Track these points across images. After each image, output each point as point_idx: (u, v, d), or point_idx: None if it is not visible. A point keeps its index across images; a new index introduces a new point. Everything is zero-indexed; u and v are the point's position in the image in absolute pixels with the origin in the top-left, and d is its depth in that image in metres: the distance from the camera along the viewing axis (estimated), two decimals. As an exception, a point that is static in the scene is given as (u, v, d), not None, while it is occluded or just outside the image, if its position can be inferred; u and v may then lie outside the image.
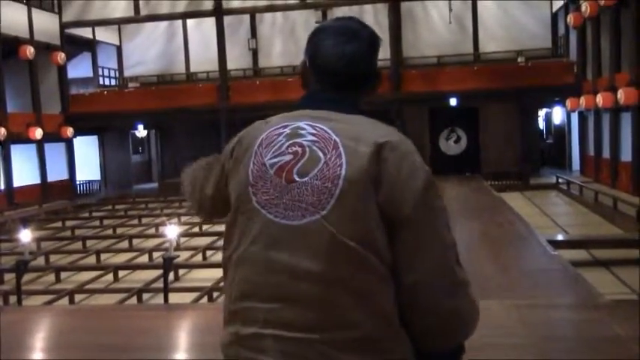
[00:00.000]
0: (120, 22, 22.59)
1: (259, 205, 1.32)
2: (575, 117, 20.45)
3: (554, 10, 21.48)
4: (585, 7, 16.60)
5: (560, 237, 10.07)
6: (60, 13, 21.36)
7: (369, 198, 1.27)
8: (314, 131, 1.33)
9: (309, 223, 1.27)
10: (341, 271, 1.25)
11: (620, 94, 14.17)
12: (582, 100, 17.34)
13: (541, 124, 25.34)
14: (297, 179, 1.30)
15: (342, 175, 1.27)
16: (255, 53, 23.29)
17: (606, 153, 16.64)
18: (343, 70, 1.42)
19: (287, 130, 1.36)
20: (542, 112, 24.79)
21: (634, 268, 7.85)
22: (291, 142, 1.33)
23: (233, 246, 1.36)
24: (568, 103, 18.56)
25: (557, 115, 23.61)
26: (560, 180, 17.66)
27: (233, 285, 1.35)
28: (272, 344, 1.26)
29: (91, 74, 23.59)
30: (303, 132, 1.34)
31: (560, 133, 23.16)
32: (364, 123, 1.36)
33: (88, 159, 22.65)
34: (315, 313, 1.24)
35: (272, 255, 1.29)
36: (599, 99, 15.57)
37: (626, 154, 15.06)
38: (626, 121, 15.08)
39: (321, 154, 1.30)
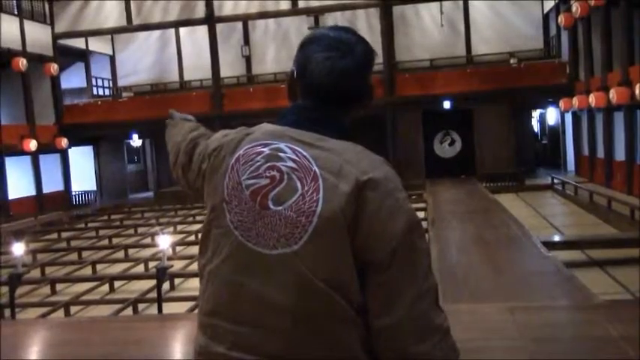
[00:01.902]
0: (112, 32, 22.61)
1: (232, 224, 1.30)
2: (569, 117, 20.50)
3: (545, 11, 21.55)
4: (576, 8, 16.68)
5: (554, 238, 10.09)
6: (52, 24, 21.37)
7: (343, 239, 1.22)
8: (295, 157, 1.28)
9: (281, 255, 1.24)
10: (308, 308, 1.23)
11: (613, 94, 14.21)
12: (575, 101, 17.39)
13: (535, 125, 25.40)
14: (272, 207, 1.26)
15: (317, 212, 1.23)
16: (248, 60, 23.33)
17: (600, 153, 16.68)
18: (332, 87, 1.34)
19: (266, 150, 1.30)
20: (536, 113, 24.86)
21: (629, 268, 7.88)
22: (269, 164, 1.29)
23: (207, 257, 1.34)
24: (561, 103, 18.62)
25: (551, 115, 23.66)
26: (555, 180, 17.69)
27: (204, 297, 1.34)
28: None
29: (84, 84, 23.58)
30: (283, 155, 1.29)
31: (555, 134, 23.22)
32: (349, 152, 1.28)
33: (83, 169, 22.61)
34: (282, 343, 1.24)
35: (243, 280, 1.27)
36: (592, 99, 15.61)
37: (620, 154, 15.10)
38: (619, 120, 15.13)
39: (298, 185, 1.25)
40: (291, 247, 1.24)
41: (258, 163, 1.30)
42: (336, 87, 1.35)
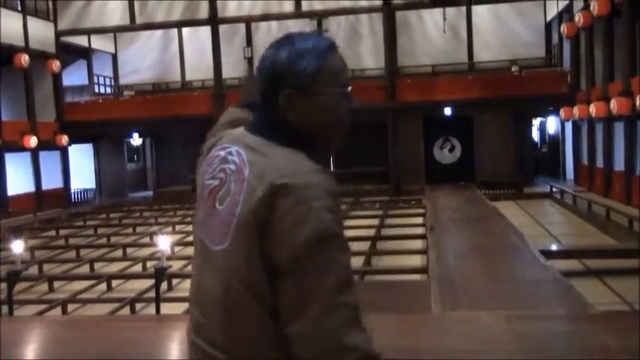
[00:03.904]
0: (115, 31, 22.63)
1: (199, 222, 1.41)
2: (569, 126, 20.53)
3: (547, 19, 21.60)
4: (579, 18, 16.72)
5: (552, 247, 10.09)
6: (55, 22, 21.39)
7: (254, 242, 1.26)
8: (237, 160, 1.34)
9: (218, 252, 1.32)
10: (230, 307, 1.30)
11: (613, 104, 14.24)
12: (576, 110, 17.42)
13: (535, 134, 25.43)
14: (217, 206, 1.34)
15: (236, 214, 1.28)
16: (250, 62, 23.34)
17: (600, 162, 16.70)
18: (261, 77, 1.37)
19: (222, 154, 1.38)
20: (536, 122, 24.89)
21: (626, 278, 7.89)
22: (221, 167, 1.37)
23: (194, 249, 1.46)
24: (562, 112, 18.64)
25: (552, 124, 23.70)
26: (554, 189, 17.71)
27: (190, 284, 1.46)
28: (201, 356, 1.35)
29: (86, 82, 23.60)
30: (230, 158, 1.36)
31: (555, 143, 23.24)
32: (280, 158, 1.30)
33: (82, 167, 22.61)
34: (222, 337, 1.32)
35: (201, 273, 1.38)
36: (593, 109, 15.64)
37: (620, 164, 15.12)
38: (619, 130, 15.15)
39: (233, 187, 1.32)
40: (223, 245, 1.32)
41: (215, 166, 1.39)
42: (262, 78, 1.37)
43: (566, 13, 19.38)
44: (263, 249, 1.25)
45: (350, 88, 1.42)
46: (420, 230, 12.31)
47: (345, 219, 14.91)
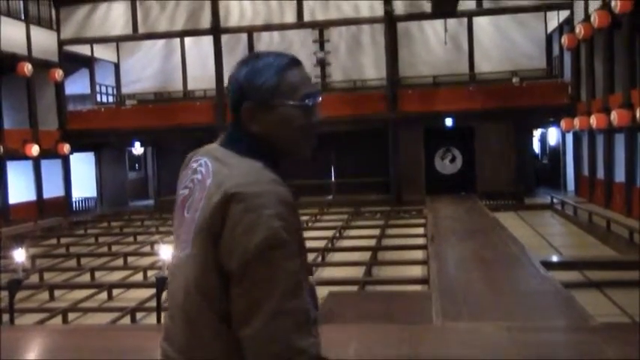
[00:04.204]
0: (118, 40, 22.72)
1: (174, 229, 1.50)
2: (569, 137, 20.55)
3: (548, 31, 21.67)
4: (579, 29, 16.80)
5: (553, 258, 10.10)
6: (58, 31, 21.50)
7: (209, 248, 1.31)
8: (204, 171, 1.41)
9: (183, 257, 1.40)
10: (188, 311, 1.37)
11: (614, 116, 14.27)
12: (577, 121, 17.46)
13: (536, 145, 25.46)
14: (185, 214, 1.42)
15: (196, 221, 1.35)
16: (252, 72, 23.40)
17: (600, 174, 16.72)
18: (229, 93, 1.47)
19: (194, 165, 1.46)
20: (537, 133, 24.92)
21: (627, 290, 7.89)
22: (191, 177, 1.45)
23: None
24: (563, 123, 18.68)
25: (552, 135, 23.73)
26: (554, 200, 17.72)
27: None
28: (165, 359, 1.42)
29: (88, 91, 23.64)
30: (199, 169, 1.43)
31: (555, 154, 23.27)
32: (239, 168, 1.36)
33: (84, 176, 22.64)
34: (182, 340, 1.38)
35: (173, 279, 1.45)
36: (593, 120, 15.67)
37: (620, 175, 15.14)
38: (620, 142, 15.18)
39: (197, 195, 1.39)
40: (186, 250, 1.39)
41: (187, 176, 1.48)
42: (228, 93, 1.47)
43: (566, 25, 19.46)
44: (217, 255, 1.30)
45: (315, 102, 1.47)
46: (420, 241, 12.32)
47: (346, 229, 14.95)
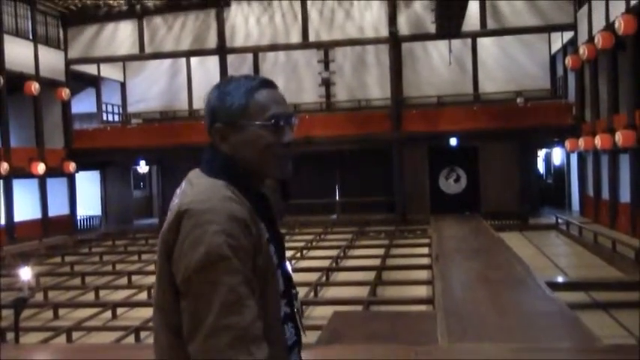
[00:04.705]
0: (125, 60, 22.93)
1: None
2: (574, 158, 20.56)
3: (552, 52, 21.78)
4: (583, 50, 16.86)
5: (558, 279, 10.06)
6: (66, 50, 21.71)
7: (164, 263, 1.37)
8: (178, 191, 1.47)
9: (158, 273, 1.43)
10: (154, 324, 1.44)
11: (618, 136, 14.28)
12: (581, 142, 17.46)
13: (540, 165, 25.46)
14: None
15: (159, 240, 1.40)
16: (257, 91, 23.51)
17: (605, 194, 16.69)
18: (204, 115, 1.52)
19: (179, 187, 1.50)
20: (541, 153, 24.93)
21: (633, 311, 7.84)
22: (173, 199, 1.47)
23: None
24: (567, 143, 18.69)
25: (557, 155, 23.74)
26: (559, 220, 17.67)
27: None
28: None
29: (94, 110, 23.81)
30: (177, 191, 1.48)
31: (560, 174, 23.26)
32: (199, 186, 1.41)
33: (89, 194, 22.71)
34: (155, 354, 1.44)
35: (153, 296, 1.47)
36: (598, 140, 15.68)
37: (625, 196, 15.11)
38: (625, 162, 15.17)
39: (169, 215, 1.41)
40: (159, 266, 1.43)
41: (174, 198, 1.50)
42: (205, 113, 1.53)
43: (570, 46, 19.55)
44: (171, 272, 1.35)
45: (287, 122, 1.49)
46: (425, 260, 12.30)
47: (350, 248, 14.92)
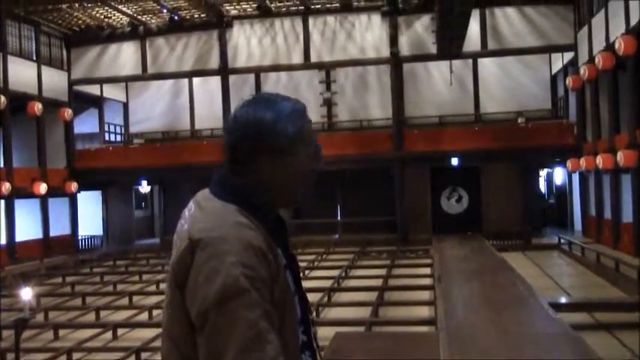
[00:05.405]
0: (127, 80, 23.05)
1: None
2: (576, 177, 20.55)
3: (553, 72, 21.87)
4: (584, 71, 16.94)
5: (562, 299, 10.01)
6: (69, 71, 21.85)
7: (176, 295, 1.30)
8: (187, 215, 1.40)
9: (164, 307, 1.38)
10: (164, 356, 1.37)
11: (620, 156, 14.29)
12: (583, 161, 17.47)
13: (542, 184, 25.44)
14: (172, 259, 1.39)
15: (170, 268, 1.34)
16: (259, 111, 23.57)
17: (608, 214, 16.65)
18: (235, 133, 1.40)
19: (185, 211, 1.44)
20: (543, 172, 24.93)
21: (637, 332, 7.78)
22: (180, 222, 1.42)
23: None
24: (569, 163, 18.69)
25: (559, 175, 23.73)
26: (562, 240, 17.61)
27: None
28: None
29: (97, 130, 23.88)
30: (185, 214, 1.41)
31: (562, 193, 23.23)
32: (209, 212, 1.34)
33: (90, 214, 22.70)
34: None
35: (163, 323, 1.41)
36: (599, 160, 15.68)
37: (628, 216, 15.06)
38: (627, 182, 15.16)
39: (177, 242, 1.36)
40: (165, 300, 1.38)
41: (180, 221, 1.43)
42: (225, 134, 1.42)
43: (571, 66, 19.65)
44: (183, 303, 1.28)
45: (320, 150, 1.45)
46: (427, 281, 12.25)
47: (352, 268, 14.87)
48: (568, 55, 19.82)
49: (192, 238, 1.28)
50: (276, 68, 21.44)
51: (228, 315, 1.21)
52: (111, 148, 23.05)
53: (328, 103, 22.31)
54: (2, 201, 17.96)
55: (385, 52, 20.37)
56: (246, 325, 1.20)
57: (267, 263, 1.28)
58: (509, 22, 19.95)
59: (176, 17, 21.26)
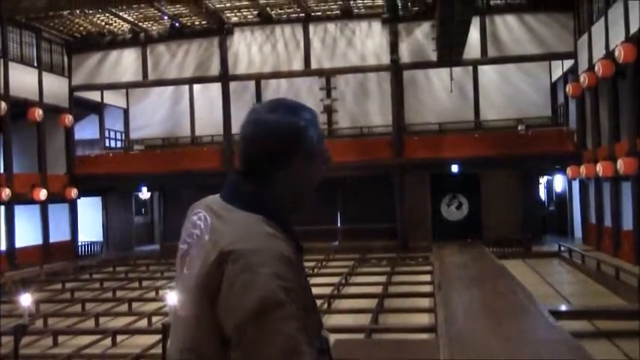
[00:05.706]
0: (128, 87, 23.09)
1: (175, 280, 1.45)
2: (576, 185, 20.55)
3: (553, 79, 21.90)
4: (584, 78, 16.97)
5: (562, 307, 9.99)
6: (70, 77, 21.89)
7: (205, 309, 1.25)
8: (202, 226, 1.34)
9: (180, 318, 1.34)
10: None
11: (620, 164, 14.29)
12: (583, 169, 17.47)
13: (542, 192, 25.43)
14: (184, 271, 1.36)
15: (194, 280, 1.29)
16: (259, 118, 23.59)
17: (608, 221, 16.63)
18: (240, 153, 1.38)
19: (194, 218, 1.39)
20: (543, 180, 24.92)
21: (637, 340, 7.77)
22: (189, 232, 1.39)
23: None
24: (569, 171, 18.69)
25: (559, 182, 23.73)
26: (562, 248, 17.59)
27: None
28: None
29: (97, 136, 23.90)
30: (198, 223, 1.36)
31: (562, 201, 23.22)
32: (236, 223, 1.30)
33: (90, 220, 22.69)
34: None
35: (171, 338, 1.39)
36: (599, 168, 15.68)
37: (628, 223, 15.05)
38: (627, 190, 15.15)
39: (195, 252, 1.33)
40: (181, 312, 1.34)
41: (187, 229, 1.41)
42: (241, 153, 1.38)
43: (571, 74, 19.68)
44: (214, 316, 1.24)
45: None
46: (427, 288, 12.23)
47: (352, 275, 14.85)
48: (568, 63, 19.86)
49: (223, 251, 1.24)
50: (276, 75, 21.48)
51: (267, 328, 1.18)
52: (111, 154, 23.07)
53: (328, 110, 22.33)
54: (2, 207, 17.96)
55: (385, 59, 20.40)
56: (284, 339, 1.18)
57: (297, 273, 1.27)
58: (510, 29, 19.98)
59: (177, 24, 21.30)
